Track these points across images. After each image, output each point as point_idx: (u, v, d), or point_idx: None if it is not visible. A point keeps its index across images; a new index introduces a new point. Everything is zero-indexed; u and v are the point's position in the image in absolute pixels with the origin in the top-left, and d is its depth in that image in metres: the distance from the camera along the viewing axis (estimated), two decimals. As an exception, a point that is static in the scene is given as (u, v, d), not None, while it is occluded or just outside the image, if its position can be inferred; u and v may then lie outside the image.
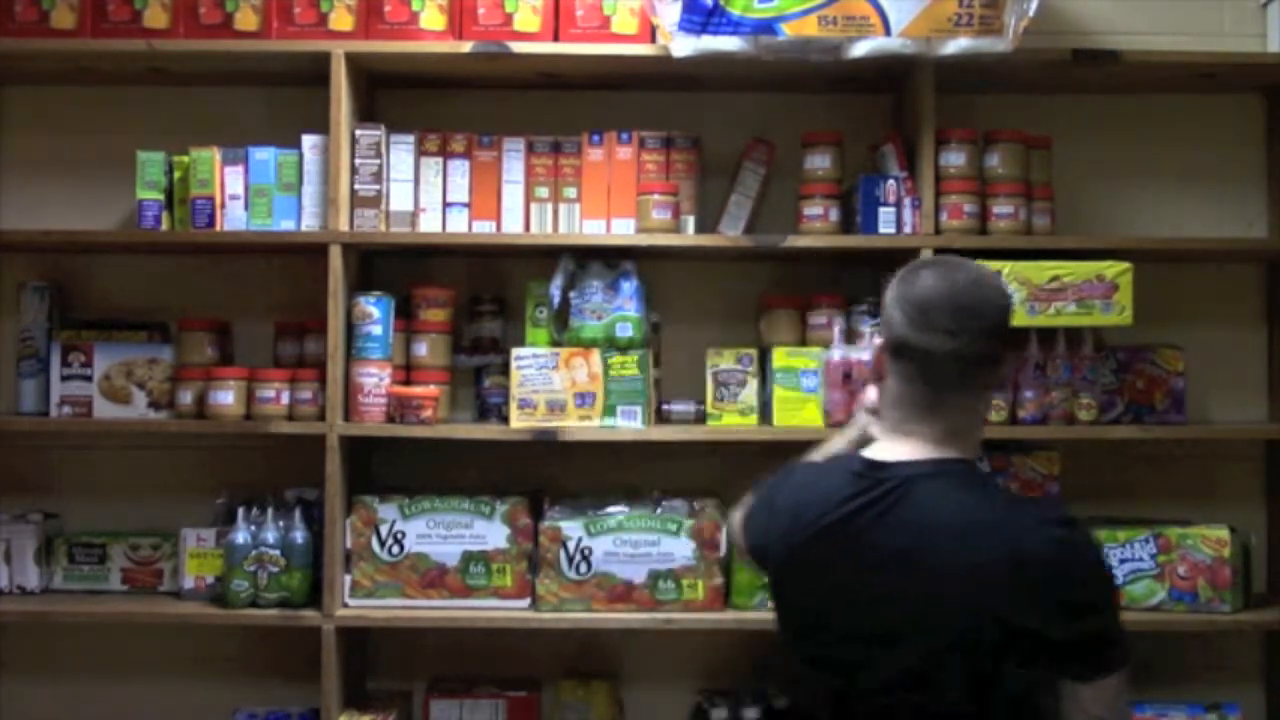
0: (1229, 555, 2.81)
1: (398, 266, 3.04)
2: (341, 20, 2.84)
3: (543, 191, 2.90)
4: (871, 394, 1.97)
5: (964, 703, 1.76)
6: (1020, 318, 2.76)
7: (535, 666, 3.03)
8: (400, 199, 2.88)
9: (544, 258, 2.92)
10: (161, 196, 2.87)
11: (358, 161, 2.84)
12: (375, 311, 2.82)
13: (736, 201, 2.95)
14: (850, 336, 2.86)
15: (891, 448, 1.87)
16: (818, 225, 2.86)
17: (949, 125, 2.85)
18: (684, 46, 2.73)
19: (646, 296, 2.88)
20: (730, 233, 2.91)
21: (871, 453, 1.89)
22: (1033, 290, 2.76)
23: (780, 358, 2.85)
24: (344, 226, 2.80)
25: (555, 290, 2.85)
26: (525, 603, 2.81)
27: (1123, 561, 2.84)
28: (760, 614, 2.80)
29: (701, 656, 3.06)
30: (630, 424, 2.81)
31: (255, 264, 3.08)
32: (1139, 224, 3.11)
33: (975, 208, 2.84)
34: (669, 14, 2.72)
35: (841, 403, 2.78)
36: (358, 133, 2.84)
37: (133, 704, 3.06)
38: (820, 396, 2.83)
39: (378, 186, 2.84)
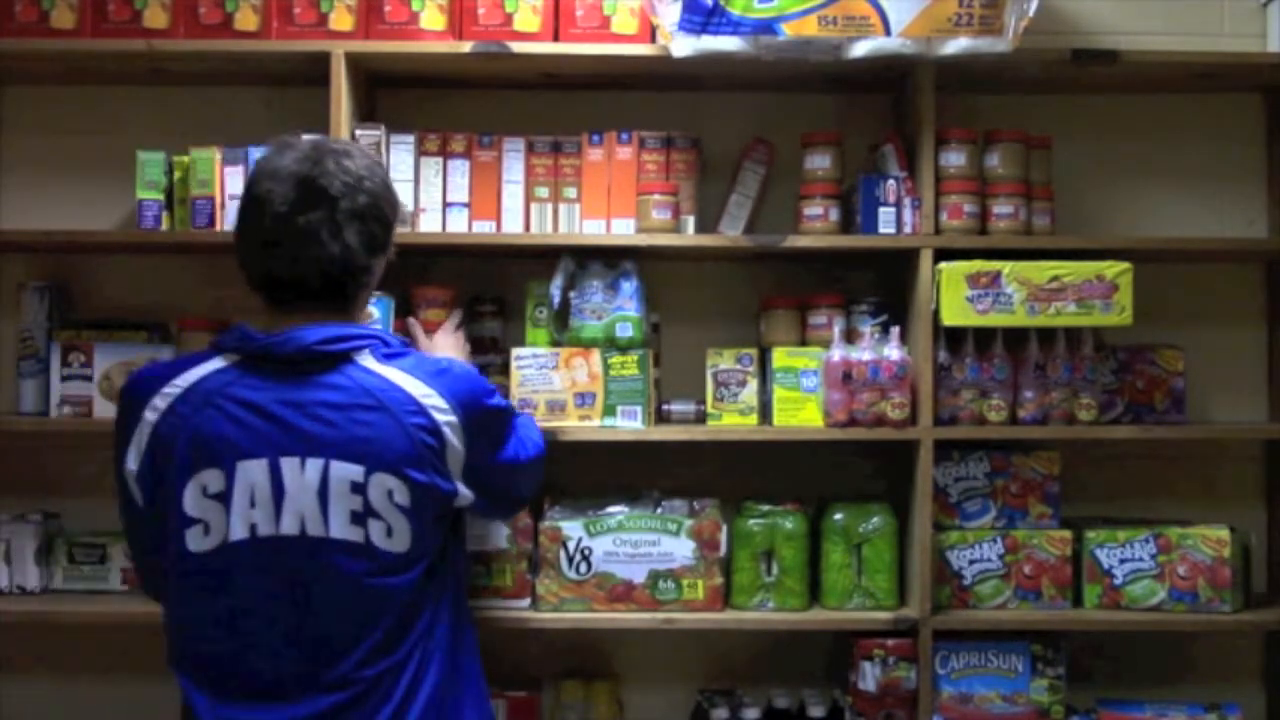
0: (1229, 555, 2.81)
1: (398, 266, 3.00)
2: (341, 20, 2.84)
3: (543, 191, 2.90)
4: None
5: None
6: (1020, 318, 2.76)
7: (535, 666, 3.03)
8: (400, 199, 2.88)
9: (544, 258, 2.92)
10: (161, 196, 2.87)
11: (358, 161, 2.83)
12: (375, 312, 2.82)
13: (736, 201, 2.95)
14: (850, 336, 2.85)
15: None
16: (818, 225, 2.86)
17: (949, 125, 2.85)
18: (684, 46, 2.73)
19: (646, 296, 2.88)
20: (730, 233, 2.91)
21: None
22: (1033, 290, 2.76)
23: (780, 358, 2.85)
24: (344, 226, 2.80)
25: (555, 290, 2.85)
26: (525, 602, 2.81)
27: (1123, 561, 2.84)
28: (760, 614, 2.80)
29: (701, 656, 3.06)
30: (630, 424, 2.81)
31: (255, 264, 3.08)
32: (1139, 224, 3.11)
33: (975, 208, 2.84)
34: (669, 14, 2.72)
35: (842, 403, 2.78)
36: (358, 133, 2.84)
37: (133, 704, 3.06)
38: (820, 396, 2.83)
39: (378, 186, 2.83)
